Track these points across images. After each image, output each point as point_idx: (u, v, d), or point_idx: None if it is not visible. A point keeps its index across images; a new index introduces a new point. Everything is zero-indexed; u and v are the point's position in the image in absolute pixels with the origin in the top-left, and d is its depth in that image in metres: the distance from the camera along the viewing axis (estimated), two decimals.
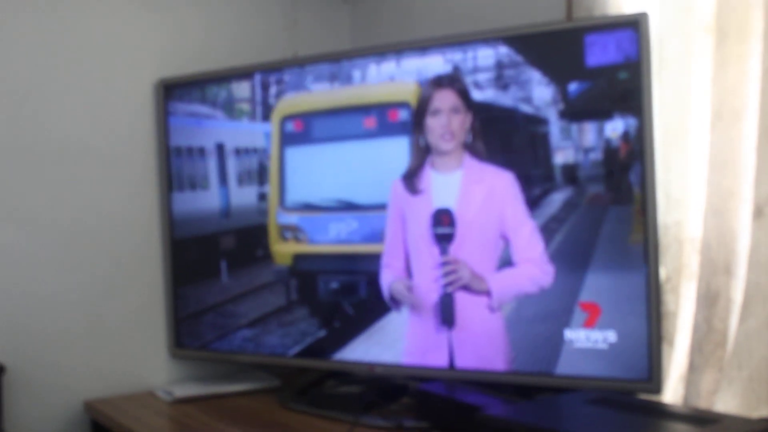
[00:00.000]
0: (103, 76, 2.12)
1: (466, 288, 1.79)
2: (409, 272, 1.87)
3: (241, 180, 2.09)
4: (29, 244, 2.02)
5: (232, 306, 2.12)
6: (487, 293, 1.77)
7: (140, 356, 2.19)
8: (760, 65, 1.48)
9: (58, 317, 2.06)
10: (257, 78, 2.06)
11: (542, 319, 1.71)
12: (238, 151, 2.09)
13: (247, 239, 2.09)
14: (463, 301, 1.79)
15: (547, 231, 1.70)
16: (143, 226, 2.19)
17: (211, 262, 2.15)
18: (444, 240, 1.79)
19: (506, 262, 1.76)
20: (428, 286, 1.83)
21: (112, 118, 2.14)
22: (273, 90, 2.04)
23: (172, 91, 2.17)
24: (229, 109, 2.13)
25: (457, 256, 1.80)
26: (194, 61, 2.20)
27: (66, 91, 2.07)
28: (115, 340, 2.14)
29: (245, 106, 2.09)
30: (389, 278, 1.89)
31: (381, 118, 1.80)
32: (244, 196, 2.08)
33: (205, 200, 2.14)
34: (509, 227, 1.77)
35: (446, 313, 1.80)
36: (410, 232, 1.87)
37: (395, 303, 1.87)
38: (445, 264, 1.81)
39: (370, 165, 1.86)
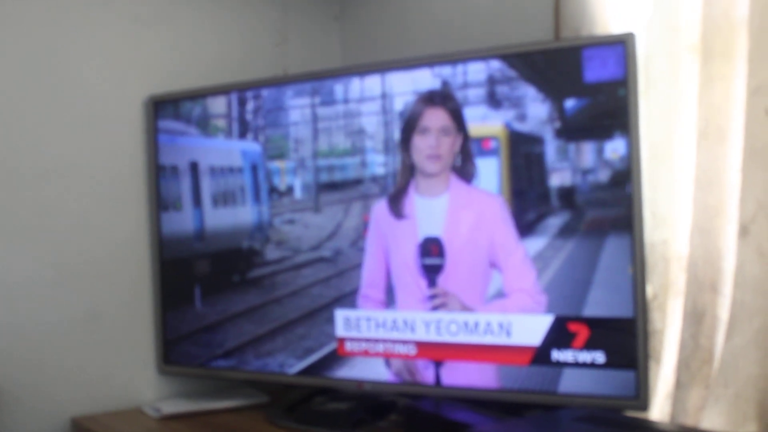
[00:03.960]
0: (93, 92, 2.12)
1: None
2: (388, 303, 1.84)
3: (220, 200, 2.11)
4: (16, 262, 2.02)
5: (220, 326, 2.11)
6: None
7: (128, 372, 2.18)
8: (745, 85, 1.49)
9: (46, 334, 2.05)
10: (249, 94, 2.07)
11: None
12: (241, 170, 2.10)
13: (230, 261, 2.10)
14: None
15: (542, 259, 1.67)
16: (133, 243, 2.18)
17: (201, 282, 2.15)
18: (432, 271, 1.75)
19: (496, 293, 1.72)
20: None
21: (102, 135, 2.13)
22: (252, 106, 2.05)
23: (162, 108, 2.17)
24: (209, 126, 2.13)
25: (446, 287, 1.74)
26: (184, 78, 2.20)
27: (55, 108, 2.07)
28: (104, 356, 2.13)
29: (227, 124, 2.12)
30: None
31: (478, 146, 1.78)
32: (223, 216, 2.12)
33: (189, 220, 2.15)
34: (499, 255, 1.70)
35: None
36: (394, 262, 1.82)
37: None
38: (433, 297, 1.75)
39: None
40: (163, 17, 2.23)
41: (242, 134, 2.09)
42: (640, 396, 1.58)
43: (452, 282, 1.74)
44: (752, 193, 1.48)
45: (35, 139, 2.04)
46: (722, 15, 1.53)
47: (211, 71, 2.23)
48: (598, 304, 1.62)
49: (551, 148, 1.67)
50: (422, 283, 1.76)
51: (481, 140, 1.75)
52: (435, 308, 1.75)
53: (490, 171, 1.75)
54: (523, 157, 1.73)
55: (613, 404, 1.62)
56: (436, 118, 1.75)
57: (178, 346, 2.17)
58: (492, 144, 1.74)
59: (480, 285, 1.73)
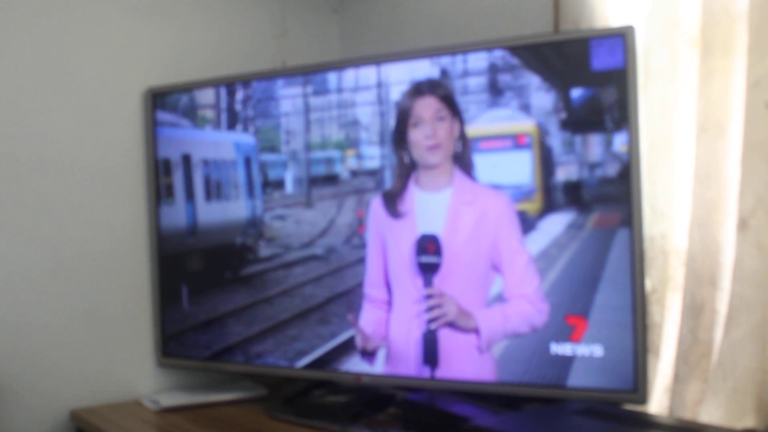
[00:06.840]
0: (91, 84, 2.11)
1: (451, 325, 1.68)
2: (391, 304, 1.78)
3: (215, 191, 2.10)
4: (15, 255, 2.01)
5: (218, 320, 2.11)
6: (476, 332, 1.67)
7: (127, 365, 2.18)
8: (744, 78, 1.49)
9: (45, 326, 2.05)
10: (247, 86, 2.06)
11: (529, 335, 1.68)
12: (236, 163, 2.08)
13: (236, 254, 2.08)
14: (447, 340, 1.70)
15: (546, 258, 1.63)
16: (131, 237, 2.18)
17: (201, 274, 2.14)
18: (428, 270, 1.69)
19: (496, 297, 1.67)
20: (410, 321, 1.74)
21: (100, 127, 2.13)
22: (249, 98, 2.04)
23: (161, 100, 2.17)
24: (204, 118, 2.12)
25: (443, 288, 1.69)
26: (183, 70, 2.19)
27: (53, 100, 2.06)
28: (102, 348, 2.13)
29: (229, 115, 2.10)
30: (372, 317, 1.80)
31: (513, 141, 1.76)
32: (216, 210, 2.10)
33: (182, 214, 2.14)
34: (502, 258, 1.65)
35: (429, 353, 1.72)
36: (391, 258, 1.77)
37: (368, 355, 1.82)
38: (428, 297, 1.69)
39: (509, 166, 1.78)
40: (162, 9, 2.22)
41: (234, 126, 2.07)
42: (639, 389, 1.58)
43: (450, 283, 1.69)
44: (751, 187, 1.48)
45: (34, 132, 2.04)
46: (722, 9, 1.53)
47: (209, 64, 2.23)
48: (599, 301, 1.62)
49: (556, 141, 1.66)
50: (418, 282, 1.71)
51: (516, 136, 1.73)
52: (430, 309, 1.71)
53: (524, 163, 1.75)
54: (546, 151, 1.73)
55: (612, 398, 1.62)
56: (427, 107, 1.72)
57: (177, 338, 2.17)
58: (526, 140, 1.72)
59: (480, 288, 1.68)
